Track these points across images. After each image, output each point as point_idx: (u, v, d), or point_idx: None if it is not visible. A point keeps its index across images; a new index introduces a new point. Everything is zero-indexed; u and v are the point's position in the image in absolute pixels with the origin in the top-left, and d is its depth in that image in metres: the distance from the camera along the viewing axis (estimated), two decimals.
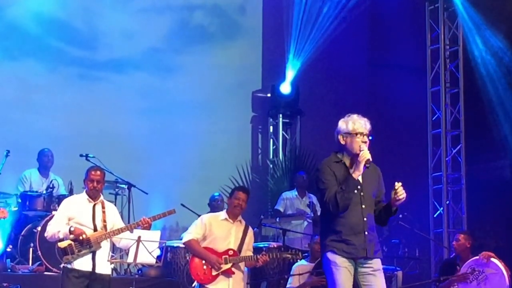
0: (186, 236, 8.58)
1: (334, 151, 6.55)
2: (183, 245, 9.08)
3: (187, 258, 9.76)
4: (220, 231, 8.52)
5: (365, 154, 6.31)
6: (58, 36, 12.79)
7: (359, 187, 6.37)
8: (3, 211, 8.60)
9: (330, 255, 6.40)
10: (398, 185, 6.34)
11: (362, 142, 6.35)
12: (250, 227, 8.89)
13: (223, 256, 8.41)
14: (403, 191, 6.35)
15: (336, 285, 6.36)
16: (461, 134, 13.30)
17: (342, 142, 6.43)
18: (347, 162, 6.44)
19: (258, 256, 8.60)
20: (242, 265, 8.55)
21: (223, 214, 8.67)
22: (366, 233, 6.37)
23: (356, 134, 6.37)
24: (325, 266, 6.47)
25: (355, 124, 6.39)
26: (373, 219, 6.47)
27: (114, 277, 10.00)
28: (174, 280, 10.20)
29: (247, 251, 8.62)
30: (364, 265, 6.41)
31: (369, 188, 6.46)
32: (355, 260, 6.40)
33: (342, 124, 6.46)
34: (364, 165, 6.34)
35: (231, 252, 8.45)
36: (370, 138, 6.42)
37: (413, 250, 11.99)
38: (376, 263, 6.45)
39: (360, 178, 6.42)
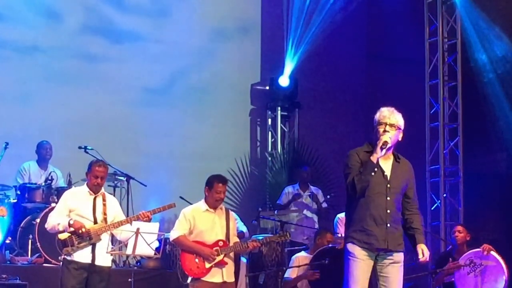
0: (174, 233, 8.51)
1: (368, 141, 6.69)
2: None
3: None
4: (204, 223, 8.46)
5: (383, 137, 6.44)
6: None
7: (376, 169, 6.45)
8: (1, 209, 8.66)
9: (350, 246, 6.50)
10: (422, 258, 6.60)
11: (383, 131, 6.48)
12: (229, 210, 8.88)
13: (214, 248, 8.38)
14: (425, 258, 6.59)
15: (350, 276, 6.46)
16: (459, 127, 13.31)
17: (373, 136, 6.60)
18: None
19: (248, 243, 8.62)
20: (232, 253, 8.53)
21: (203, 205, 8.54)
22: (388, 225, 6.46)
23: (379, 124, 6.53)
24: (344, 256, 6.56)
25: (380, 115, 6.58)
26: (397, 212, 6.55)
27: (113, 268, 9.99)
28: (172, 271, 10.22)
29: (234, 237, 8.61)
30: (385, 258, 6.50)
31: (396, 181, 6.55)
32: (375, 252, 6.47)
33: (374, 118, 6.65)
34: (381, 147, 6.43)
35: (221, 243, 8.41)
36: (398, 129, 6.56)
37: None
38: (398, 256, 6.54)
39: (388, 171, 6.54)
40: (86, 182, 8.41)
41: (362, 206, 6.48)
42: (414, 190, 6.74)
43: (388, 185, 6.51)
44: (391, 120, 6.54)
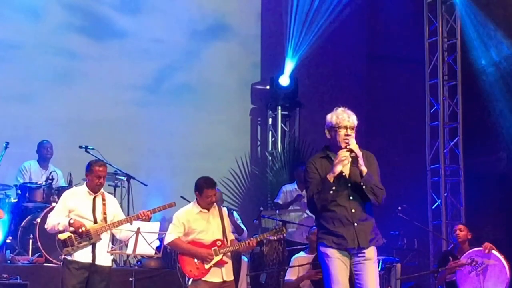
0: (168, 237, 8.47)
1: (325, 145, 6.61)
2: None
3: None
4: (199, 225, 8.43)
5: (341, 155, 6.34)
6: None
7: (334, 188, 6.38)
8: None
9: (322, 248, 6.48)
10: (352, 141, 6.40)
11: (346, 135, 6.41)
12: (221, 206, 8.85)
13: (213, 248, 8.35)
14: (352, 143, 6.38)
15: (330, 276, 6.41)
16: (459, 126, 13.32)
17: (328, 136, 6.53)
18: (333, 156, 6.47)
19: (246, 241, 8.57)
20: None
21: (195, 207, 8.51)
22: (355, 224, 6.40)
23: (339, 127, 6.43)
24: (319, 258, 6.56)
25: (338, 118, 6.47)
26: (363, 208, 6.47)
27: (114, 268, 10.00)
28: (173, 271, 10.22)
29: (229, 234, 8.58)
30: (358, 255, 6.44)
31: (357, 178, 6.44)
32: (348, 251, 6.43)
33: (327, 118, 6.55)
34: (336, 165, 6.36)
35: (219, 243, 8.39)
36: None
37: (412, 241, 12.01)
38: (369, 252, 6.46)
39: (347, 170, 6.45)
40: (85, 182, 8.39)
41: (327, 210, 6.43)
42: (377, 178, 6.57)
43: (349, 184, 6.44)
44: (350, 122, 6.45)
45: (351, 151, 6.35)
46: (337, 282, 6.38)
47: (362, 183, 6.40)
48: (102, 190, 8.39)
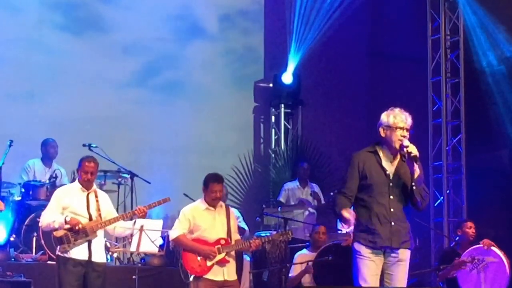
0: (173, 233, 8.49)
1: (375, 141, 6.67)
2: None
3: None
4: (205, 222, 8.43)
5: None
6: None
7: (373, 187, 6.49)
8: None
9: (356, 245, 6.54)
10: (406, 142, 6.48)
11: (402, 136, 6.51)
12: (229, 207, 8.85)
13: (216, 246, 8.35)
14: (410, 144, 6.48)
15: (359, 274, 6.48)
16: (462, 124, 13.34)
17: (383, 135, 6.58)
18: (382, 154, 6.58)
19: (251, 242, 8.57)
20: (233, 251, 8.49)
21: (202, 204, 8.51)
22: (392, 223, 6.47)
23: (396, 128, 6.52)
24: (352, 256, 6.59)
25: (396, 118, 6.56)
26: (402, 209, 6.56)
27: (117, 266, 10.11)
28: (176, 269, 10.24)
29: (235, 233, 8.58)
30: (392, 255, 6.50)
31: (399, 180, 6.55)
32: (381, 250, 6.47)
33: (383, 117, 6.62)
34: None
35: (223, 242, 8.39)
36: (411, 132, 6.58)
37: (414, 239, 12.02)
38: (403, 253, 6.54)
39: (391, 170, 6.56)
40: (77, 179, 8.38)
41: (366, 207, 6.53)
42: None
43: (391, 184, 6.53)
44: (407, 124, 6.57)
45: (409, 153, 6.45)
46: (366, 281, 6.45)
47: (413, 184, 6.52)
48: (94, 187, 8.39)
